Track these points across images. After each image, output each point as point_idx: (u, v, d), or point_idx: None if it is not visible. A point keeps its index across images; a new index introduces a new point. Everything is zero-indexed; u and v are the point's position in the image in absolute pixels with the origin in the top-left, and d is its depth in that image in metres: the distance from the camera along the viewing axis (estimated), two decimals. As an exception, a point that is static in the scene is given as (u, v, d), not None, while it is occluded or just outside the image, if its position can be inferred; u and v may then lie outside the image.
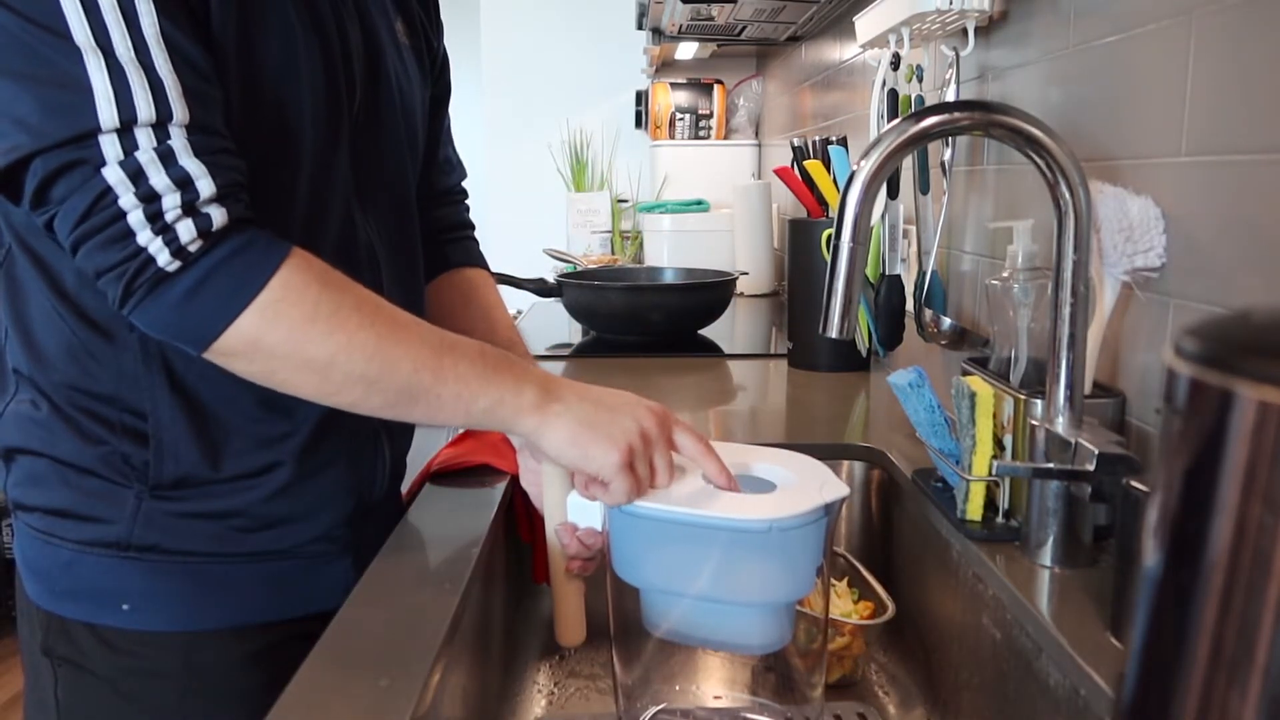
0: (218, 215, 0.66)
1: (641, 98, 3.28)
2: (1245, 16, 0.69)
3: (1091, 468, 0.71)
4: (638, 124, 3.38)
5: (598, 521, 0.80)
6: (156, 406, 0.77)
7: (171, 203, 0.64)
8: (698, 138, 3.04)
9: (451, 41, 1.10)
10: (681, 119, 3.03)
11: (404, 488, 0.99)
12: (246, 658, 0.82)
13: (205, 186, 0.65)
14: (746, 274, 2.29)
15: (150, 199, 0.64)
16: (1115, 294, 0.82)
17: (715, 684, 0.91)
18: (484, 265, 1.11)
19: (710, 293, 1.89)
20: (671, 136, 3.03)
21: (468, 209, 1.14)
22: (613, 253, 3.16)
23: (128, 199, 0.64)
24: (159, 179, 0.64)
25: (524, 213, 3.50)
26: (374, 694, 0.60)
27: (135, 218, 0.64)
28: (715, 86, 3.03)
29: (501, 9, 3.53)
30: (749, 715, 0.87)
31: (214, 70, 0.69)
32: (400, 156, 0.90)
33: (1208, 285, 0.74)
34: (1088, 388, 0.81)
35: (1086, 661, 0.63)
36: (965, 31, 1.13)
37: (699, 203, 2.76)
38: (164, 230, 0.64)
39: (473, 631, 0.78)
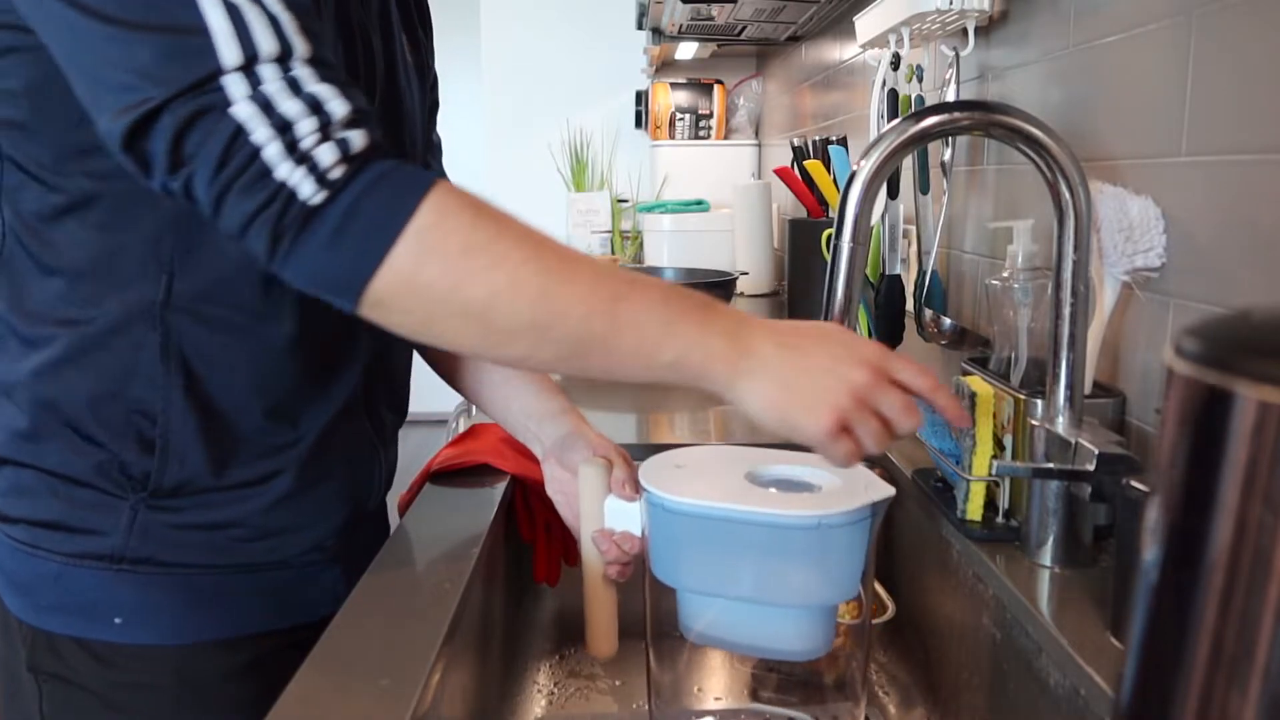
0: (357, 138, 0.62)
1: (641, 98, 3.28)
2: (1245, 16, 0.69)
3: (1091, 468, 0.71)
4: (638, 124, 3.38)
5: (636, 526, 0.78)
6: (169, 407, 0.75)
7: (307, 128, 0.60)
8: (698, 138, 3.04)
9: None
10: (681, 119, 3.03)
11: (404, 489, 0.99)
12: (240, 668, 0.81)
13: (338, 108, 0.61)
14: (746, 274, 2.30)
15: (284, 128, 0.60)
16: (1115, 294, 0.82)
17: (716, 684, 0.91)
18: None
19: (710, 293, 1.89)
20: (671, 136, 3.03)
21: None
22: (613, 253, 3.16)
23: (261, 133, 0.59)
24: (291, 105, 0.60)
25: (524, 213, 3.47)
26: (374, 694, 0.60)
27: (272, 151, 0.60)
28: (715, 86, 3.03)
29: (501, 9, 3.53)
30: (763, 710, 0.87)
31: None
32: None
33: (1208, 285, 0.74)
34: (1088, 388, 0.81)
35: (1086, 661, 0.63)
36: (965, 31, 1.13)
37: (699, 203, 2.76)
38: (304, 159, 0.60)
39: (473, 631, 0.78)
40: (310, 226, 0.60)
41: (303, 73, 0.61)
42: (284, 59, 0.61)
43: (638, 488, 0.75)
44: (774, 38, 2.36)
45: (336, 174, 0.60)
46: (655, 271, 2.23)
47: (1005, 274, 0.88)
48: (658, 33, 2.49)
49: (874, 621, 0.93)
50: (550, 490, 0.91)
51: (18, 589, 0.79)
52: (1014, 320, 0.87)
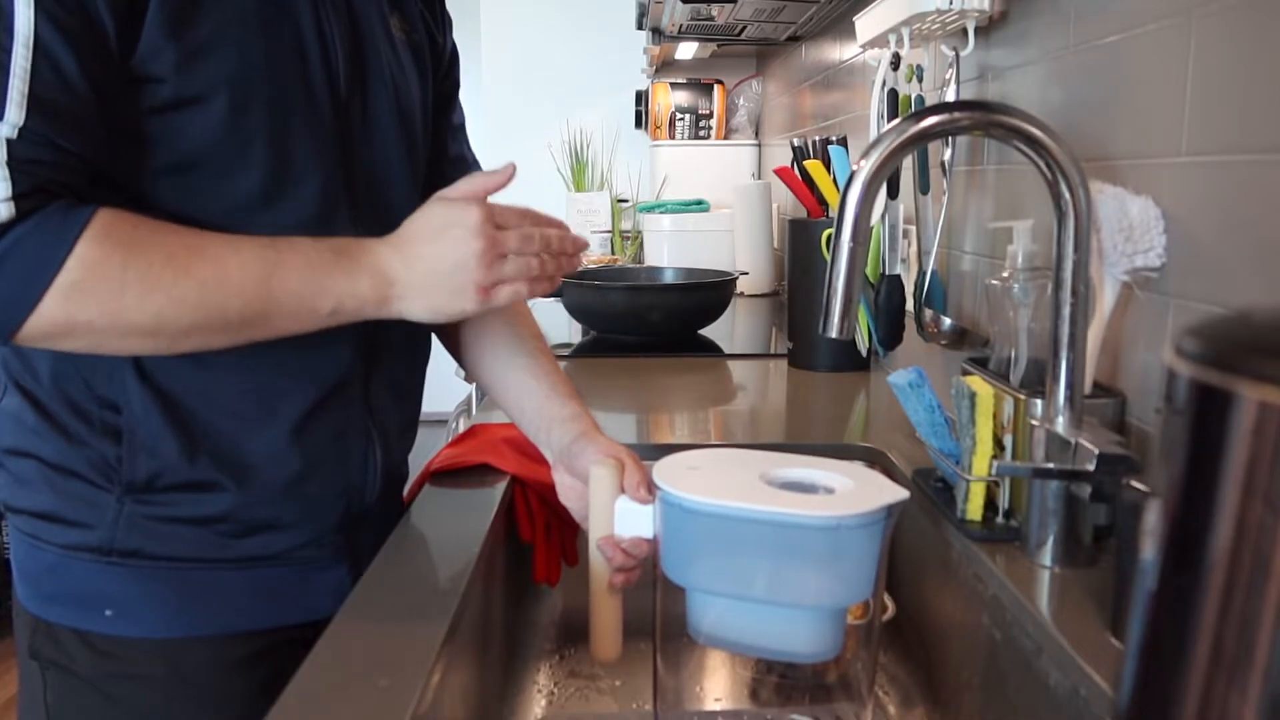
0: (3, 210, 0.63)
1: (641, 98, 3.28)
2: (1245, 16, 0.69)
3: (1091, 468, 0.71)
4: (638, 124, 3.38)
5: (646, 528, 0.78)
6: (129, 399, 0.76)
7: None
8: (698, 138, 3.04)
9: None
10: (681, 119, 3.03)
11: (405, 490, 0.99)
12: (237, 663, 0.81)
13: (2, 190, 0.63)
14: (746, 274, 2.30)
15: None
16: (1115, 294, 0.82)
17: (717, 685, 0.91)
18: None
19: (710, 293, 1.89)
20: (671, 136, 3.03)
21: None
22: (613, 253, 3.16)
23: None
24: None
25: (524, 213, 3.49)
26: (374, 694, 0.60)
27: None
28: (715, 86, 3.03)
29: (501, 9, 3.53)
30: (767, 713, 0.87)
31: (93, 77, 0.67)
32: (395, 156, 0.89)
33: (1208, 285, 0.74)
34: (1088, 388, 0.81)
35: (1086, 661, 0.63)
36: (965, 31, 1.13)
37: (699, 203, 2.76)
38: None
39: (473, 631, 0.78)
40: None
41: None
42: None
43: (651, 490, 0.75)
44: (774, 38, 2.36)
45: None
46: (656, 272, 2.23)
47: (1005, 274, 0.88)
48: (658, 33, 2.49)
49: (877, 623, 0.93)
50: (562, 498, 0.90)
51: (24, 578, 0.81)
52: (1014, 320, 0.87)
